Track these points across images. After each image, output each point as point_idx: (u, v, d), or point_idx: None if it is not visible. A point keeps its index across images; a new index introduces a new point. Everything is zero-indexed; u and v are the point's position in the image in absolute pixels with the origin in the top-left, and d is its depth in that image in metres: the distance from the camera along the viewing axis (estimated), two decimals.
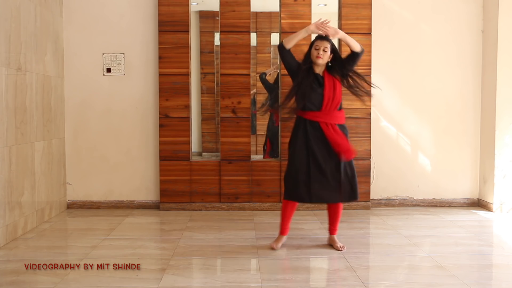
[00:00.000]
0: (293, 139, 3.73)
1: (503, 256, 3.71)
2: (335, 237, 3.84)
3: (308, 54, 3.74)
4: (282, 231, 3.81)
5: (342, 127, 3.71)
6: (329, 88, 3.65)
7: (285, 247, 3.78)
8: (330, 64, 3.76)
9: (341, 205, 3.82)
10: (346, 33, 3.81)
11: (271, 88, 5.48)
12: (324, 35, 3.70)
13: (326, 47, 3.66)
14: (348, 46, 3.71)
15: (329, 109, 3.64)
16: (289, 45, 3.71)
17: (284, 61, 3.75)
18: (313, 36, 3.84)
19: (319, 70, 3.72)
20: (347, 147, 3.60)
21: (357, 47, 3.71)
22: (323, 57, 3.66)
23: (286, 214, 3.78)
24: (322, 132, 3.62)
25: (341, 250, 3.71)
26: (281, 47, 3.73)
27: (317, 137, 3.64)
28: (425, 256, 3.59)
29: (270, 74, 5.53)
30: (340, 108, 3.74)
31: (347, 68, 3.72)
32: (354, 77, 3.75)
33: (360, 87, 3.74)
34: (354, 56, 3.72)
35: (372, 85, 3.85)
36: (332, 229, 3.85)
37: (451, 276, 3.17)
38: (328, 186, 3.62)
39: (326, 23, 3.70)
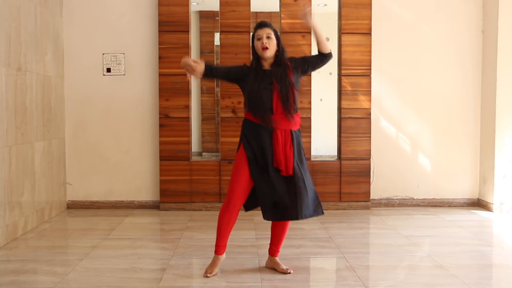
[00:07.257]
0: (246, 146, 3.17)
1: (503, 256, 3.71)
2: (277, 259, 3.31)
3: (253, 51, 3.17)
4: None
5: (297, 133, 3.16)
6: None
7: (285, 247, 3.77)
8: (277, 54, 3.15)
9: (288, 223, 3.30)
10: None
11: None
12: (264, 23, 3.13)
13: (270, 33, 3.09)
14: (320, 43, 3.15)
15: (281, 112, 3.09)
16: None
17: (221, 80, 3.23)
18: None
19: (267, 65, 3.16)
20: (289, 168, 3.07)
21: (327, 48, 3.18)
22: (270, 46, 3.09)
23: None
24: (271, 140, 3.09)
25: (288, 273, 3.21)
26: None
27: (268, 144, 3.11)
28: (425, 256, 3.59)
29: None
30: (296, 111, 3.15)
31: (310, 68, 3.23)
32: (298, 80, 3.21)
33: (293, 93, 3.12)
34: (324, 57, 3.18)
35: (294, 104, 3.14)
36: (274, 250, 3.31)
37: (451, 276, 3.17)
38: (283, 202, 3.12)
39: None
